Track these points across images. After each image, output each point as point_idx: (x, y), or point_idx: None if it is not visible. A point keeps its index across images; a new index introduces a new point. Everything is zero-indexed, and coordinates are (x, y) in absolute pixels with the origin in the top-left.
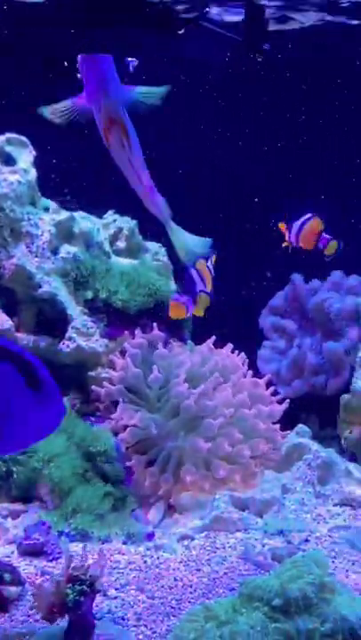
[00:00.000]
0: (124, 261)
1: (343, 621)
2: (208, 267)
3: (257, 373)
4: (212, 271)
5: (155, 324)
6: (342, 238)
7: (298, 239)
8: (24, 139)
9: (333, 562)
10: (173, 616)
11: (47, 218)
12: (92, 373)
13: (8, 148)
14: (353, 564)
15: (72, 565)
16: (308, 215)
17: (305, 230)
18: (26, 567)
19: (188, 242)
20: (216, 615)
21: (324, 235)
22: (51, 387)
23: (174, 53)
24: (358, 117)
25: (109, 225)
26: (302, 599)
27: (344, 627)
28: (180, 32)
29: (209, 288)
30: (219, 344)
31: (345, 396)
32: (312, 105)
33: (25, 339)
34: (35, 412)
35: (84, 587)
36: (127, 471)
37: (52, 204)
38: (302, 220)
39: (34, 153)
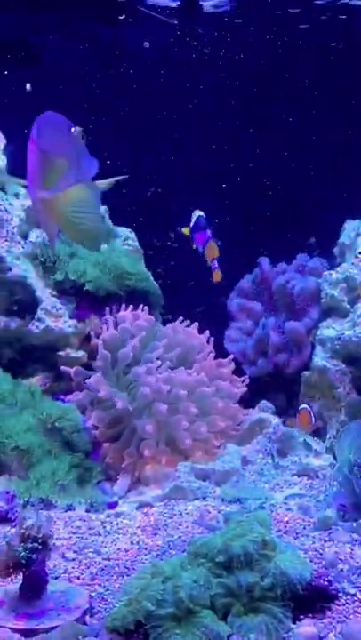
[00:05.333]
0: None
1: (283, 576)
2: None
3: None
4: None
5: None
6: None
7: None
8: None
9: (286, 526)
10: (127, 575)
11: (17, 203)
12: (61, 353)
13: None
14: (304, 527)
15: (25, 526)
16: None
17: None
18: None
19: None
20: (163, 572)
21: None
22: None
23: (115, 39)
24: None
25: None
26: (244, 555)
27: (284, 581)
28: (120, 17)
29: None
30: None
31: (305, 373)
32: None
33: None
34: None
35: (36, 544)
36: (96, 445)
37: (22, 190)
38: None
39: (4, 141)
